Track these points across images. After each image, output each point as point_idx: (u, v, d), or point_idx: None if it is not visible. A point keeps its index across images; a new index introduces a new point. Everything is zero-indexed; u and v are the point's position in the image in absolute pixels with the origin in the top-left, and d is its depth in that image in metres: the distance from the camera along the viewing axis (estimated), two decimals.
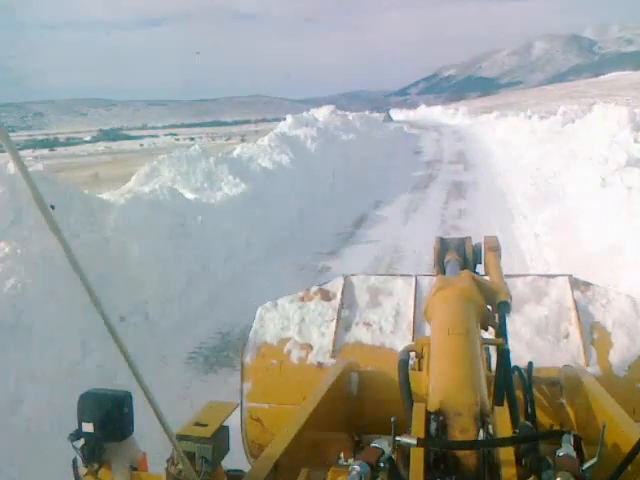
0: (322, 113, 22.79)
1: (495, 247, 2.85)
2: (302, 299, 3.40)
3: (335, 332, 3.15)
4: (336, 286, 3.39)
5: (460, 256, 2.89)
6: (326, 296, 3.37)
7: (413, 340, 2.85)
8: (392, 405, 1.93)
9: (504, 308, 2.11)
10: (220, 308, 7.77)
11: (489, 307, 2.11)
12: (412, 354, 2.10)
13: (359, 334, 3.16)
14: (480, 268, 2.88)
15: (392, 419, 1.40)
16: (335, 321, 3.20)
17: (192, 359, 6.41)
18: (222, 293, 8.27)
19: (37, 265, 6.00)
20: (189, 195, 10.08)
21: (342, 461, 1.46)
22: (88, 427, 1.50)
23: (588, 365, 2.73)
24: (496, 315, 2.11)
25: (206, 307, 7.81)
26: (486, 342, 2.01)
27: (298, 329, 3.23)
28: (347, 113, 27.91)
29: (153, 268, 7.22)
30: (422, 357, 2.07)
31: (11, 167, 6.74)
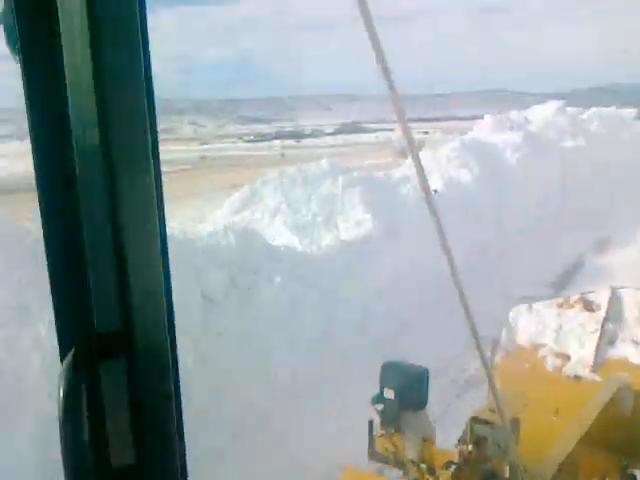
0: (543, 111, 17.80)
1: None
2: (561, 306, 3.30)
3: (598, 345, 3.00)
4: (601, 297, 3.26)
5: None
6: (589, 306, 3.24)
7: None
8: None
9: None
10: None
11: None
12: None
13: (625, 351, 2.98)
14: None
15: None
16: (598, 334, 3.06)
17: None
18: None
19: None
20: (284, 237, 6.85)
21: None
22: (389, 393, 1.67)
23: None
24: None
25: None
26: None
27: (555, 336, 3.14)
28: (582, 109, 22.29)
29: None
30: None
31: None
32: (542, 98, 25.27)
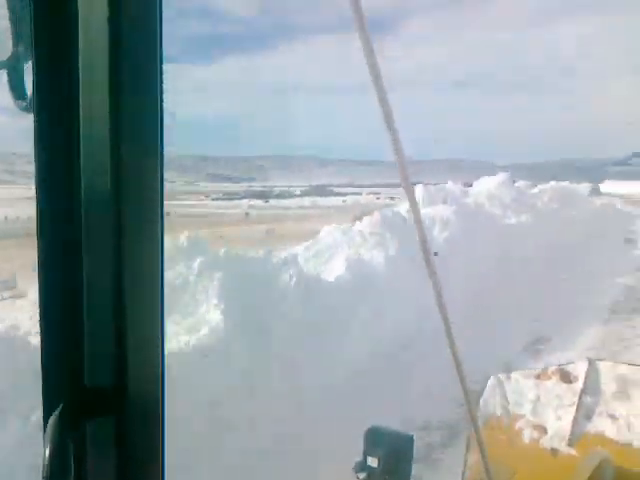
0: (487, 183, 16.36)
1: None
2: (538, 377, 3.23)
3: (575, 418, 2.94)
4: (579, 369, 3.17)
5: None
6: (566, 378, 3.16)
7: None
8: None
9: None
10: None
11: None
12: None
13: (602, 425, 2.90)
14: None
15: None
16: (575, 407, 2.99)
17: None
18: None
19: None
20: None
21: None
22: (373, 461, 1.52)
23: None
24: None
25: None
26: None
27: (532, 408, 3.08)
28: (535, 184, 21.16)
29: None
30: None
31: None
32: (500, 169, 24.28)
